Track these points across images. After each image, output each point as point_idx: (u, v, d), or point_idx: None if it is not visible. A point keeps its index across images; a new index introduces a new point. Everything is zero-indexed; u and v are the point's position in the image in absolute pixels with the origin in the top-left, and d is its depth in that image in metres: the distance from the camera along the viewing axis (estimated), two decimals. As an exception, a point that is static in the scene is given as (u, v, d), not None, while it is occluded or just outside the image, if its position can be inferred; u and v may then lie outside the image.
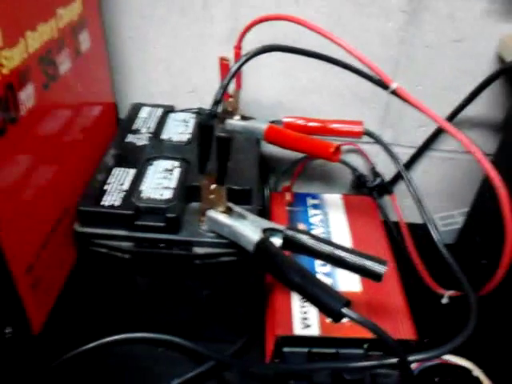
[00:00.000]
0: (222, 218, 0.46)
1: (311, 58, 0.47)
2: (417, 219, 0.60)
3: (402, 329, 0.50)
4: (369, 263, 0.43)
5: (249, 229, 0.45)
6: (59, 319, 0.49)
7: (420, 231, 0.60)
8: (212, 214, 0.47)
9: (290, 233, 0.45)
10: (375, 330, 0.38)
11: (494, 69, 0.58)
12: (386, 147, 0.60)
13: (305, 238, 0.45)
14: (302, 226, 0.62)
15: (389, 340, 0.38)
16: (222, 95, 0.40)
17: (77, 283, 0.51)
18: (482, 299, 0.51)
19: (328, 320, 0.50)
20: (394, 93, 0.46)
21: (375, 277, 0.43)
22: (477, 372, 0.51)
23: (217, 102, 0.40)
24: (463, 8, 0.57)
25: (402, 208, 0.66)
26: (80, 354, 0.51)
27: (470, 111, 0.63)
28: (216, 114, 0.40)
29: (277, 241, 0.46)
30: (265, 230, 0.45)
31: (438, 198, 0.73)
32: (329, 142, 0.54)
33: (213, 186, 0.45)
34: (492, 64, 0.60)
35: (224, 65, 0.55)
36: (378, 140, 0.60)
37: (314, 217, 0.64)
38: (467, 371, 0.52)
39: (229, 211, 0.47)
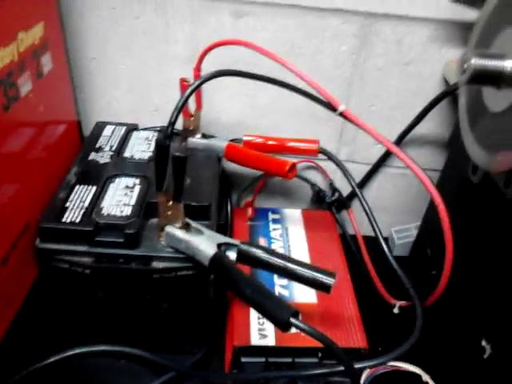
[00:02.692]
0: (180, 233, 0.48)
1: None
2: (369, 233, 0.63)
3: (353, 338, 0.53)
4: (318, 275, 0.46)
5: (205, 244, 0.47)
6: (20, 333, 0.50)
7: (376, 244, 0.63)
8: (170, 229, 0.48)
9: (244, 247, 0.47)
10: (321, 339, 0.40)
11: (440, 90, 0.61)
12: (340, 164, 0.63)
13: (258, 252, 0.47)
14: (262, 240, 0.65)
15: (334, 348, 0.40)
16: (177, 117, 0.42)
17: (38, 297, 0.52)
18: (429, 309, 0.54)
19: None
20: (342, 115, 0.48)
21: (325, 288, 0.46)
22: (426, 377, 0.54)
23: (171, 123, 0.43)
24: (409, 34, 0.60)
25: (359, 222, 0.68)
26: (42, 368, 0.51)
27: (420, 129, 0.66)
28: (170, 134, 0.42)
29: (232, 255, 0.48)
30: (220, 245, 0.48)
31: (394, 212, 0.76)
32: (284, 161, 0.56)
33: (170, 203, 0.47)
34: (438, 86, 0.64)
35: (184, 86, 0.57)
36: (331, 158, 0.63)
37: (274, 231, 0.67)
38: (417, 377, 0.54)
39: (186, 227, 0.49)
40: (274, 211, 0.70)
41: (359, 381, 0.46)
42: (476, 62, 0.39)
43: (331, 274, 0.46)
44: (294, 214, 0.70)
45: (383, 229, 0.75)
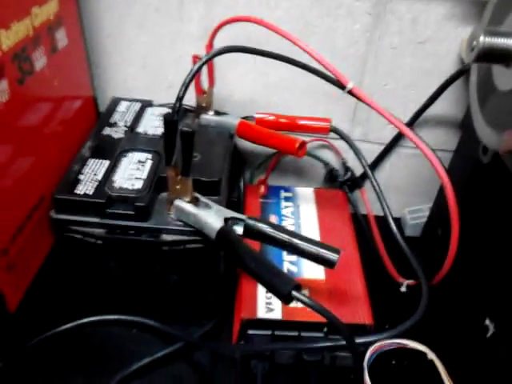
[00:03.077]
0: (188, 207, 0.49)
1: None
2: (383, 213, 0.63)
3: (359, 314, 0.53)
4: (323, 251, 0.46)
5: (212, 217, 0.48)
6: (36, 300, 0.53)
7: (387, 224, 0.62)
8: (179, 203, 0.50)
9: (251, 222, 0.48)
10: (322, 312, 0.40)
11: (456, 70, 0.61)
12: (351, 143, 0.63)
13: (264, 227, 0.48)
14: (273, 217, 0.65)
15: (335, 321, 0.41)
16: (184, 92, 0.43)
17: (54, 267, 0.54)
18: (436, 288, 0.55)
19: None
20: (350, 92, 0.48)
21: (329, 264, 0.47)
22: (431, 355, 0.54)
23: (179, 98, 0.43)
24: (425, 12, 0.59)
25: (372, 201, 0.68)
26: (55, 335, 0.54)
27: (435, 109, 0.65)
28: (178, 109, 0.43)
29: (239, 229, 0.49)
30: (227, 219, 0.49)
31: (407, 193, 0.76)
32: (294, 138, 0.57)
33: (179, 178, 0.48)
34: (454, 65, 0.63)
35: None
36: (343, 136, 0.63)
37: (286, 209, 0.67)
38: (422, 354, 0.55)
39: (195, 201, 0.50)
40: (287, 189, 0.71)
41: (360, 354, 0.47)
42: (484, 39, 0.38)
43: (336, 250, 0.47)
44: (306, 193, 0.70)
45: (397, 209, 0.75)
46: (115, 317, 0.56)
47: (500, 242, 0.47)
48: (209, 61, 0.45)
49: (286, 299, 0.41)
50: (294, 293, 0.40)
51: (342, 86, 0.49)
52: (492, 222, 0.50)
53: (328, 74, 0.49)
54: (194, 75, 0.43)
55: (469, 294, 0.52)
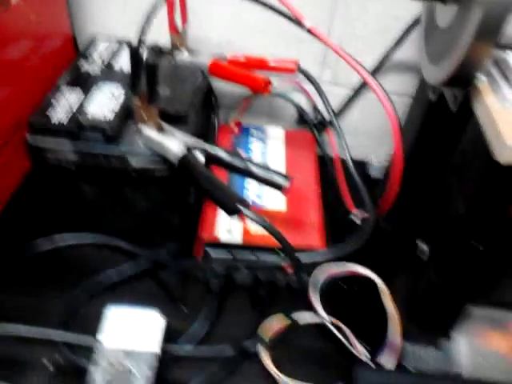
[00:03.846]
0: (154, 135, 0.53)
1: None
2: (354, 155, 0.66)
3: (312, 239, 0.58)
4: (275, 177, 0.51)
5: (175, 145, 0.52)
6: (15, 221, 0.57)
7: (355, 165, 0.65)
8: (145, 131, 0.53)
9: (211, 149, 0.52)
10: (265, 226, 0.45)
11: (420, 14, 0.63)
12: (316, 85, 0.66)
13: (222, 154, 0.52)
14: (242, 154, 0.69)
15: (276, 234, 0.45)
16: (147, 22, 0.46)
17: (31, 191, 0.59)
18: (385, 219, 0.59)
19: (250, 229, 0.58)
20: (310, 32, 0.51)
21: (280, 188, 0.51)
22: (377, 280, 0.59)
23: (143, 31, 0.47)
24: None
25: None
26: (32, 256, 0.58)
27: (400, 55, 0.68)
28: (141, 41, 0.47)
29: (200, 156, 0.53)
30: (190, 147, 0.52)
31: (376, 137, 0.79)
32: (261, 76, 0.60)
33: (145, 106, 0.52)
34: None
35: (169, 1, 0.61)
36: (309, 78, 0.66)
37: (256, 147, 0.71)
38: (370, 280, 0.60)
39: (160, 130, 0.54)
40: (258, 129, 0.75)
41: (302, 269, 0.51)
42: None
43: (287, 177, 0.51)
44: (276, 133, 0.74)
45: (366, 152, 0.79)
46: (89, 238, 0.60)
47: (438, 173, 0.51)
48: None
49: (231, 212, 0.45)
50: (240, 206, 0.45)
51: (301, 25, 0.51)
52: (434, 157, 0.53)
53: (286, 12, 0.52)
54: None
55: (410, 223, 0.56)
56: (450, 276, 0.47)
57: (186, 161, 0.50)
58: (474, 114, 0.41)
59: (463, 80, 0.39)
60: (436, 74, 0.44)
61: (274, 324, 0.54)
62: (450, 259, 0.45)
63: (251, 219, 0.44)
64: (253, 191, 0.63)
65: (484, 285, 0.50)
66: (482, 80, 0.41)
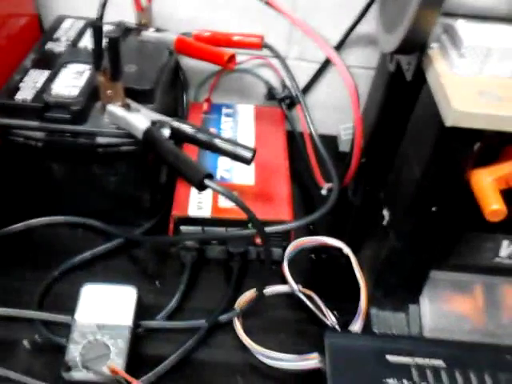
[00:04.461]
0: (119, 111, 0.53)
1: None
2: (324, 130, 0.68)
3: (280, 212, 0.59)
4: (239, 149, 0.52)
5: (140, 120, 0.53)
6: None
7: (324, 140, 0.66)
8: (111, 107, 0.54)
9: (176, 124, 0.53)
10: (232, 199, 0.46)
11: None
12: (282, 60, 0.67)
13: (187, 129, 0.53)
14: (213, 131, 0.70)
15: (243, 207, 0.46)
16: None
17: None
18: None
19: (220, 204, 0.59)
20: (268, 3, 0.52)
21: (244, 160, 0.52)
22: (346, 250, 0.61)
23: (103, 5, 0.47)
24: None
25: (313, 119, 0.72)
26: (5, 236, 0.59)
27: (365, 28, 0.69)
28: (102, 16, 0.47)
29: (166, 132, 0.53)
30: (154, 122, 0.53)
31: (344, 111, 0.80)
32: (224, 52, 0.61)
33: (109, 83, 0.52)
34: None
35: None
36: (275, 53, 0.67)
37: (226, 123, 0.72)
38: (339, 250, 0.61)
39: (126, 106, 0.54)
40: (228, 106, 0.76)
41: (269, 241, 0.52)
42: None
43: (250, 149, 0.52)
44: (246, 109, 0.75)
45: (334, 126, 0.80)
46: (62, 218, 0.61)
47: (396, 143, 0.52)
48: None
49: (198, 186, 0.46)
50: (206, 181, 0.45)
51: (259, -3, 0.52)
52: (396, 127, 0.55)
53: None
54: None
55: (376, 192, 0.58)
56: (410, 240, 0.48)
57: (150, 134, 0.51)
58: (427, 82, 0.42)
59: (414, 46, 0.41)
60: (390, 43, 0.46)
61: (248, 296, 0.56)
62: (408, 223, 0.47)
63: (217, 192, 0.45)
64: (222, 166, 0.64)
65: (444, 249, 0.51)
66: (433, 47, 0.42)
